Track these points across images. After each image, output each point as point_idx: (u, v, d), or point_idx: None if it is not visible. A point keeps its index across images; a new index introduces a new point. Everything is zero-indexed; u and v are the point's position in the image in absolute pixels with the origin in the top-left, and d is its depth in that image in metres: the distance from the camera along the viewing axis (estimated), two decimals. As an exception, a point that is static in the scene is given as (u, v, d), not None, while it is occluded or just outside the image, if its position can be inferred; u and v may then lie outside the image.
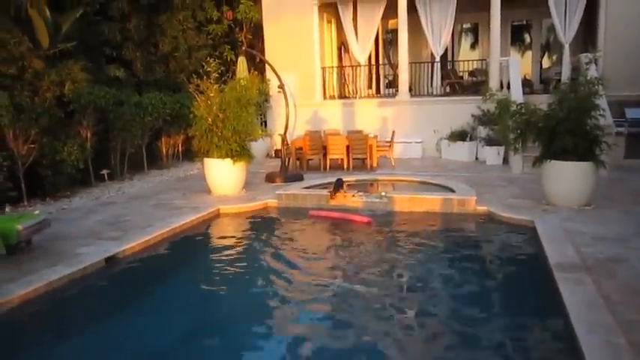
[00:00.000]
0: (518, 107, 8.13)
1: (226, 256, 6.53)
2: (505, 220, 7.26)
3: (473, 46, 21.05)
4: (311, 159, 11.94)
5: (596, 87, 7.53)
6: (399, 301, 5.10)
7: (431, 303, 5.01)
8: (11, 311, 4.69)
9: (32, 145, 8.72)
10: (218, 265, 6.29)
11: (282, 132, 11.12)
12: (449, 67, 15.80)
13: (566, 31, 12.63)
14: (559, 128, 7.42)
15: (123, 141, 11.15)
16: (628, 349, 3.57)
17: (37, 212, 7.08)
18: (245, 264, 6.20)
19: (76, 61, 10.69)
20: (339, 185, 8.49)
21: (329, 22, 15.44)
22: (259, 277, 5.72)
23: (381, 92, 16.78)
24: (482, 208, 7.68)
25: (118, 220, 7.56)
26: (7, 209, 7.96)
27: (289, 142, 11.45)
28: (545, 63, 21.54)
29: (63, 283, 5.24)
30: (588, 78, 7.81)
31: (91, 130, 10.07)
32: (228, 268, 6.09)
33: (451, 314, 4.72)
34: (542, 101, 8.59)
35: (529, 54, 19.49)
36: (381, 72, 17.48)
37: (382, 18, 14.63)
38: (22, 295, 4.86)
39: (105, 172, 10.69)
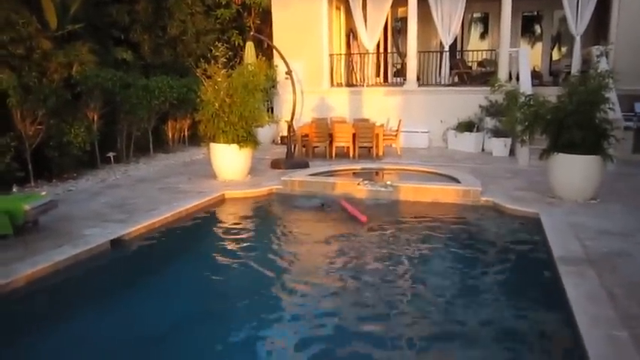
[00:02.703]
0: (527, 99, 8.07)
1: (230, 240, 6.57)
2: (510, 211, 7.24)
3: (482, 36, 20.88)
4: (317, 146, 11.92)
5: (607, 80, 7.46)
6: (398, 287, 5.13)
7: (431, 291, 5.03)
8: (18, 290, 4.74)
9: (39, 127, 8.75)
10: (221, 248, 6.33)
11: (289, 118, 11.11)
12: (458, 57, 15.68)
13: (578, 23, 12.51)
14: (567, 121, 7.36)
15: (129, 124, 11.16)
16: (630, 343, 3.58)
17: (43, 193, 7.13)
18: (248, 248, 6.22)
19: (84, 43, 10.68)
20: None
21: (338, 8, 15.32)
22: (262, 262, 5.72)
23: (389, 81, 16.70)
24: (487, 199, 7.67)
25: (124, 203, 7.61)
26: (15, 189, 8.03)
27: (295, 129, 11.43)
28: (555, 55, 21.35)
29: (69, 263, 5.30)
30: (599, 71, 7.74)
31: (98, 113, 10.08)
32: (232, 252, 6.14)
33: (451, 305, 4.73)
34: (551, 93, 8.52)
35: (539, 45, 19.32)
36: (390, 60, 17.37)
37: (392, 6, 14.48)
38: (29, 274, 4.91)
39: (111, 154, 10.70)
